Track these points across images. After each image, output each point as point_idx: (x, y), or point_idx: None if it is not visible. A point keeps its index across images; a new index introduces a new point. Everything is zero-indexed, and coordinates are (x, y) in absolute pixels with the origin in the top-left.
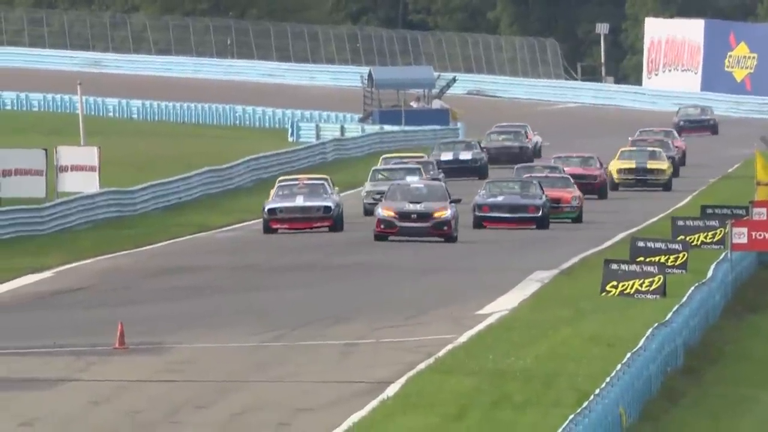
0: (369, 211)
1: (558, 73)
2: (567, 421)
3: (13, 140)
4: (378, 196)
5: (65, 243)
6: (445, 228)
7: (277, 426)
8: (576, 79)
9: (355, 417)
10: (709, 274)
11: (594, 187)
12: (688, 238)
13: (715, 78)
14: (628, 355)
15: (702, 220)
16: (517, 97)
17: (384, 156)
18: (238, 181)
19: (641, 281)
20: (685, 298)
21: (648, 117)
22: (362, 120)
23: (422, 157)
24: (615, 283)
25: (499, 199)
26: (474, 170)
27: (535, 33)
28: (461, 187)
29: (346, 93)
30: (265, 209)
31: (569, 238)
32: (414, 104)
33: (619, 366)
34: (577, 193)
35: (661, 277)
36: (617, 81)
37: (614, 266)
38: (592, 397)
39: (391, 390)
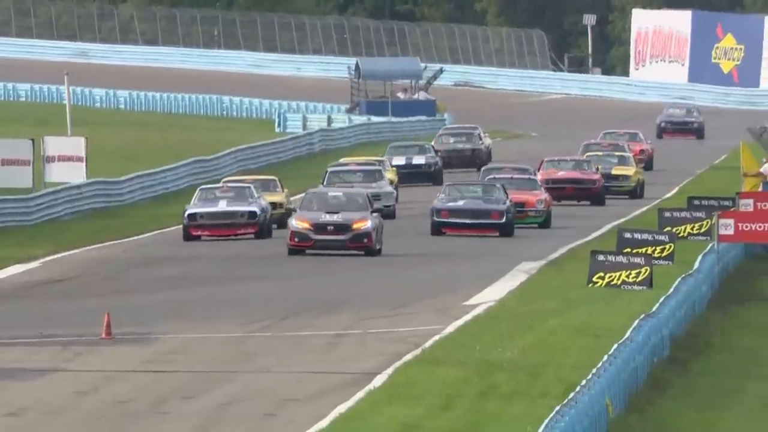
0: None
1: (545, 64)
2: (553, 412)
3: None
4: None
5: (52, 233)
6: (365, 240)
7: (264, 416)
8: (563, 70)
9: (342, 407)
10: (696, 265)
11: (590, 193)
12: (674, 230)
13: (702, 69)
14: (615, 346)
15: (689, 212)
16: (505, 88)
17: (341, 159)
18: (225, 171)
19: (628, 272)
20: (671, 290)
21: (635, 108)
22: (349, 111)
23: (383, 161)
24: (602, 274)
25: (460, 203)
26: (428, 176)
27: (522, 24)
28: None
29: (333, 84)
30: (185, 215)
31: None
32: (401, 95)
33: (605, 357)
34: (544, 195)
35: (648, 268)
36: (604, 72)
37: (601, 257)
38: (578, 388)
39: (378, 381)
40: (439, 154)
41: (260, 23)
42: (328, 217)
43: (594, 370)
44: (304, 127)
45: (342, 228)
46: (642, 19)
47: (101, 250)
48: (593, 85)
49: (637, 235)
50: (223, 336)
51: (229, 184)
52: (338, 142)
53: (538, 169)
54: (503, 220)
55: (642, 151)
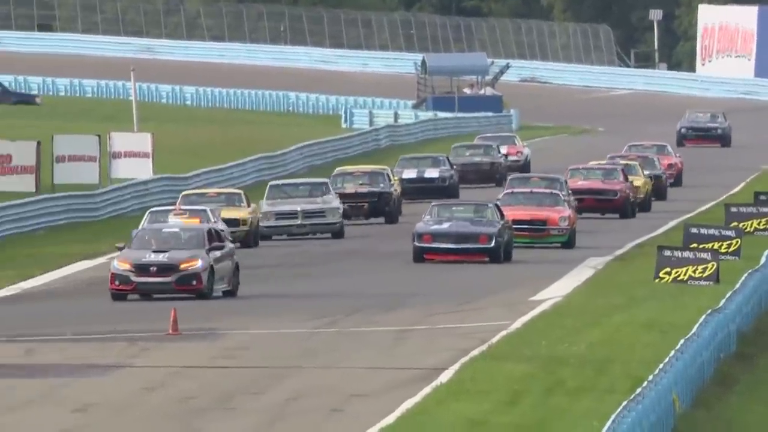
0: (266, 236)
1: (611, 60)
2: (620, 407)
3: (66, 127)
4: (282, 218)
5: (118, 229)
6: (194, 283)
7: (330, 412)
8: (629, 66)
9: (409, 403)
10: (763, 260)
11: (612, 205)
12: (741, 225)
13: None
14: (682, 341)
15: (755, 207)
16: (571, 83)
17: (338, 168)
18: (291, 167)
19: (694, 268)
20: (738, 285)
21: (701, 104)
22: (415, 106)
23: (385, 169)
24: (668, 269)
25: (445, 226)
26: (441, 190)
27: (589, 19)
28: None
29: (400, 80)
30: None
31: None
32: (467, 91)
33: (672, 352)
34: (568, 212)
35: (715, 263)
36: (670, 67)
37: (668, 253)
38: (645, 383)
39: (445, 376)
40: (455, 168)
41: (327, 19)
42: (152, 257)
43: (661, 366)
44: (371, 123)
45: (167, 269)
46: (708, 15)
47: None
48: (658, 80)
49: (704, 231)
50: (290, 332)
51: (183, 207)
52: (404, 137)
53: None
54: (492, 244)
55: (670, 165)
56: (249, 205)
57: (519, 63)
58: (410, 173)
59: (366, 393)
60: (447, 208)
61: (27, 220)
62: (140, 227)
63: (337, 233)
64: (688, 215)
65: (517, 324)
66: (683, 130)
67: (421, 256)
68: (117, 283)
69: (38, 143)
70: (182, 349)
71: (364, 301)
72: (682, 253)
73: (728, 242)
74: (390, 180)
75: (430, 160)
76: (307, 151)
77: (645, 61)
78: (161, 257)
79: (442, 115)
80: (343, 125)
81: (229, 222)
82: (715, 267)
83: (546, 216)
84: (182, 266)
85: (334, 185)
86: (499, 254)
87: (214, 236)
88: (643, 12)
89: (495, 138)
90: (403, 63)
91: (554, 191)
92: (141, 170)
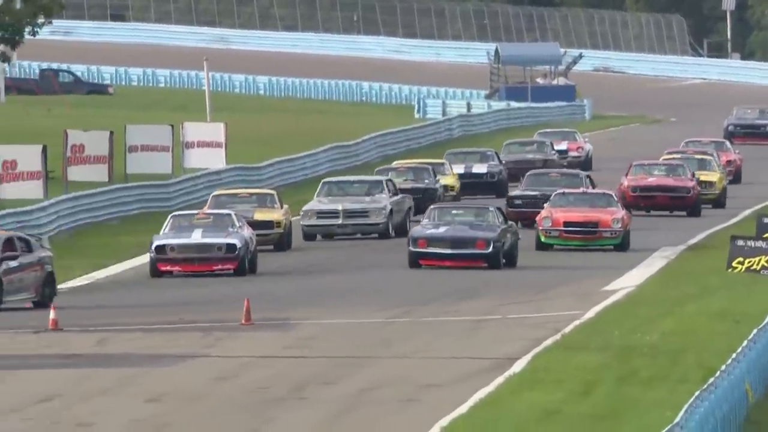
0: (309, 236)
1: (684, 50)
2: (693, 397)
3: (139, 116)
4: (323, 217)
5: None
6: None
7: (405, 402)
8: (702, 56)
9: (482, 392)
10: None
11: (684, 203)
12: None
13: None
14: (755, 330)
15: None
16: (643, 73)
17: (396, 162)
18: (365, 157)
19: (767, 257)
20: None
21: None
22: (488, 96)
23: (443, 163)
24: (741, 259)
25: (441, 230)
26: (490, 186)
27: (661, 9)
28: None
29: (472, 69)
30: (153, 246)
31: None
32: (540, 81)
33: (745, 342)
34: (621, 213)
35: None
36: (743, 57)
37: (740, 242)
38: (718, 373)
39: (518, 366)
40: (506, 165)
41: (399, 8)
42: None
43: (734, 355)
44: (444, 112)
45: None
46: None
47: None
48: (731, 70)
49: None
50: (363, 322)
51: (208, 211)
52: (478, 127)
53: (626, 174)
54: (489, 249)
55: (729, 162)
56: (282, 206)
57: (591, 53)
58: (458, 168)
59: (440, 383)
60: (446, 212)
61: (100, 210)
62: (162, 232)
63: (382, 234)
64: (749, 210)
65: (590, 314)
66: (731, 128)
67: (416, 261)
68: None
69: (111, 133)
70: (255, 338)
71: (436, 290)
72: (755, 243)
73: None
74: (435, 176)
75: (479, 155)
76: (380, 140)
77: (718, 51)
78: None
79: (515, 104)
80: (416, 115)
81: (264, 224)
82: None
83: (598, 218)
84: None
85: None
86: (498, 260)
87: (15, 245)
88: (715, 2)
89: (555, 133)
90: (476, 53)
91: (607, 192)
92: (214, 160)
